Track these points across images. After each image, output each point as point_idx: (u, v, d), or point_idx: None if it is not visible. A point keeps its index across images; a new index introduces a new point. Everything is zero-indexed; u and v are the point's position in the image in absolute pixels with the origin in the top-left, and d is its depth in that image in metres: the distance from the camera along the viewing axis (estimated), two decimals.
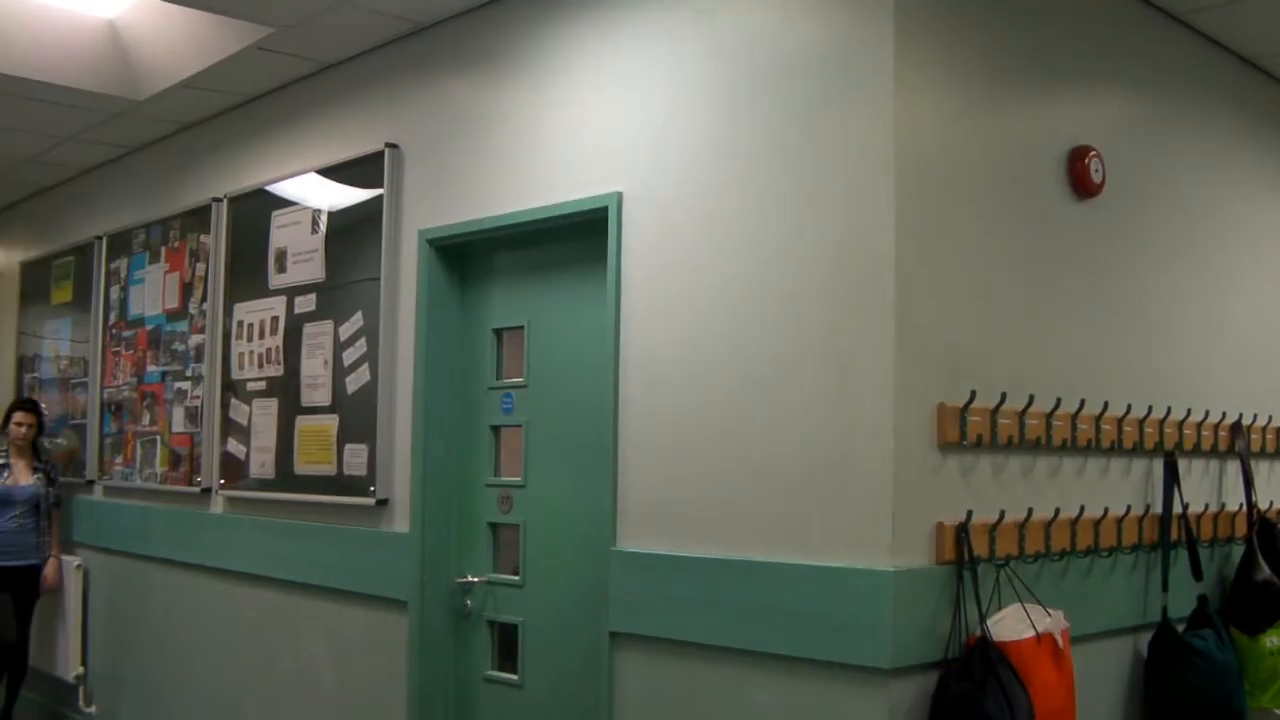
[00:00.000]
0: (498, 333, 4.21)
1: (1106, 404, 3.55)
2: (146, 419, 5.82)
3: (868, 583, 2.90)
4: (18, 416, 6.22)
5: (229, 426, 5.17)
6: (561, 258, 3.97)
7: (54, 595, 6.18)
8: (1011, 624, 3.06)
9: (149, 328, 5.85)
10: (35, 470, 6.16)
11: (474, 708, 4.17)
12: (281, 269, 4.93)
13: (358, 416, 4.48)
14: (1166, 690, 3.64)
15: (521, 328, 4.10)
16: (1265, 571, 3.92)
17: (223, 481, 5.20)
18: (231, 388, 5.18)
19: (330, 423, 4.61)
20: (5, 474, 6.10)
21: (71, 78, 5.10)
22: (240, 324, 5.16)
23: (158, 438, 5.70)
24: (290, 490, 4.79)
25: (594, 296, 3.74)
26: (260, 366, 5.00)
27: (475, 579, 4.17)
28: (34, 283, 7.09)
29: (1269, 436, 4.35)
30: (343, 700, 4.54)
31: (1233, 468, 4.18)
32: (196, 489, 5.33)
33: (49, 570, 6.12)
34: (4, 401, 7.31)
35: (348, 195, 4.61)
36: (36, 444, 6.26)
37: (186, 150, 5.74)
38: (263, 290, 5.02)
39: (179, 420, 5.55)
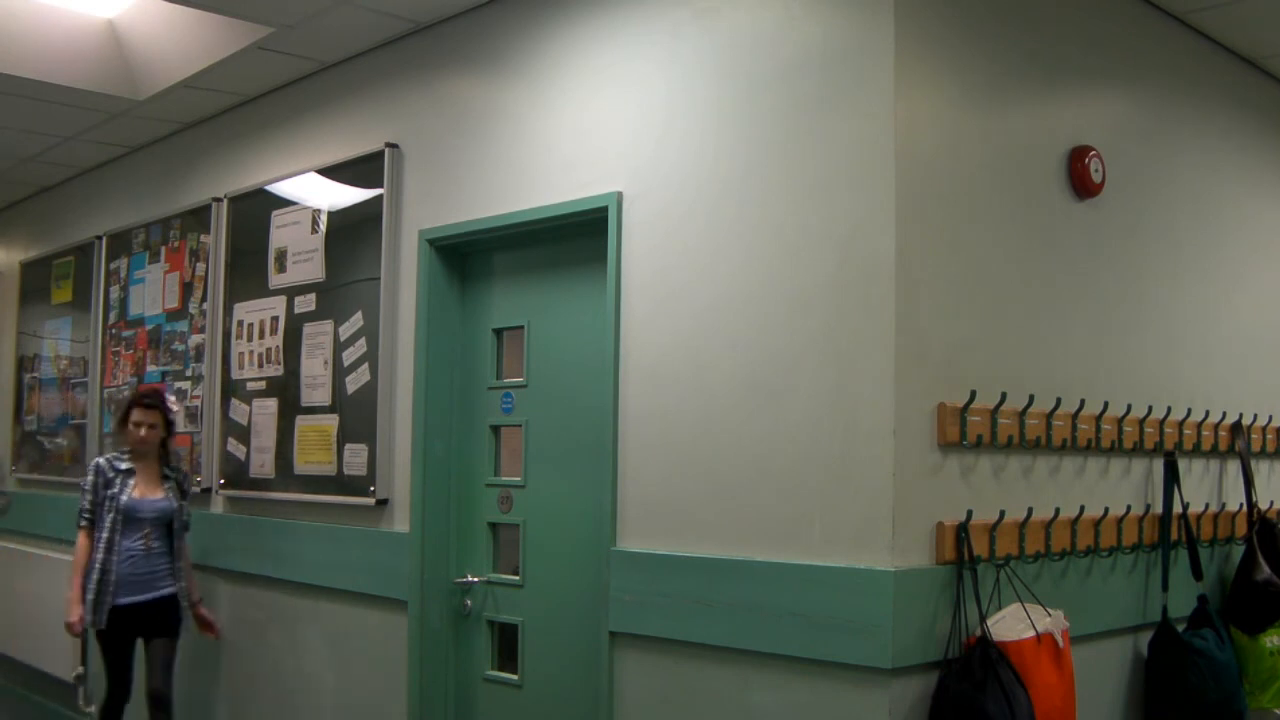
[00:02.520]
0: (498, 333, 4.21)
1: (1106, 404, 3.55)
2: None
3: (868, 583, 2.90)
4: (136, 415, 4.88)
5: (229, 426, 5.17)
6: (561, 258, 3.97)
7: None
8: (1011, 624, 3.06)
9: (149, 327, 5.85)
10: (165, 479, 4.93)
11: (474, 708, 4.17)
12: (281, 269, 4.93)
13: (358, 416, 4.48)
14: (1166, 690, 3.64)
15: (521, 328, 4.10)
16: (1265, 571, 3.92)
17: (223, 481, 5.20)
18: (231, 388, 5.18)
19: (330, 422, 4.61)
20: (129, 484, 4.83)
21: (71, 78, 5.10)
22: (240, 324, 5.16)
23: None
24: (290, 490, 4.79)
25: (594, 296, 3.74)
26: (260, 366, 5.01)
27: (475, 579, 4.17)
28: (34, 283, 7.10)
29: (1269, 436, 4.35)
30: (343, 700, 4.54)
31: (1233, 468, 4.18)
32: (196, 489, 5.32)
33: (206, 612, 5.00)
34: (4, 406, 7.32)
35: (348, 195, 4.61)
36: (165, 444, 5.00)
37: (186, 150, 5.74)
38: (263, 290, 5.02)
39: (179, 420, 5.55)
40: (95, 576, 4.71)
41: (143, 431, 4.85)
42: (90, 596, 4.70)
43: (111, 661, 4.82)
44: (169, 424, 4.97)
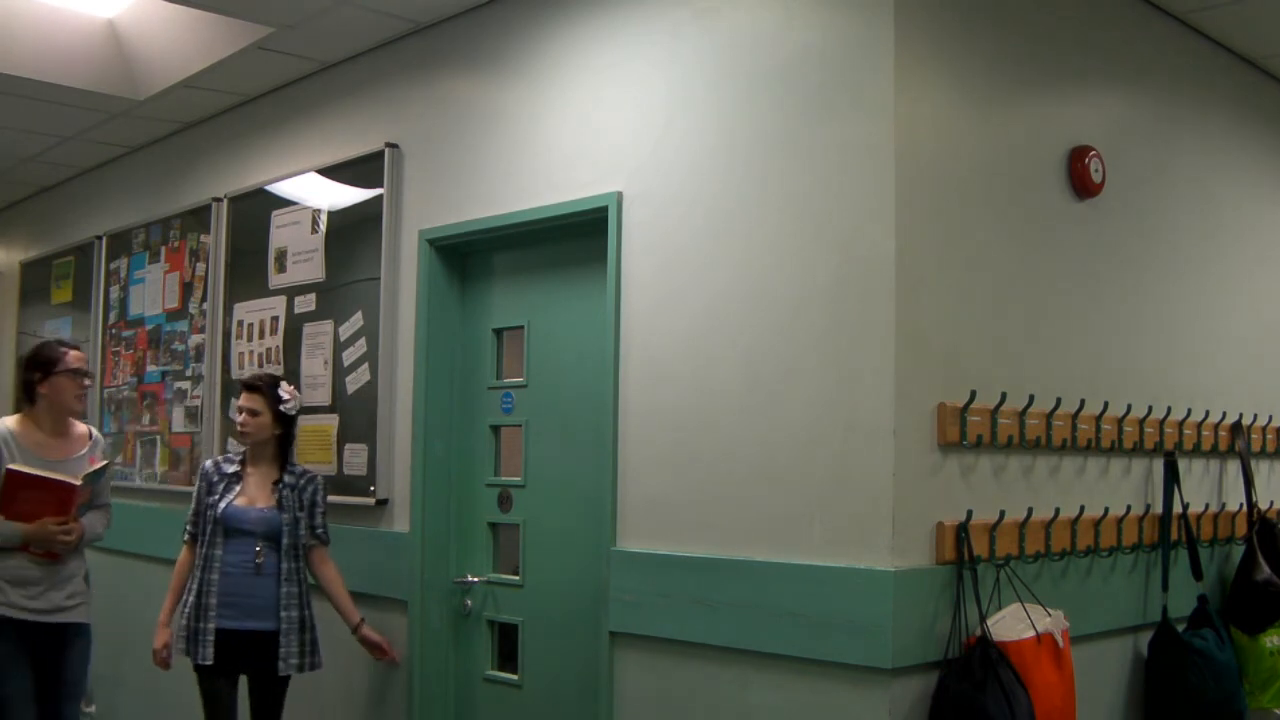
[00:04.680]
0: (498, 333, 4.21)
1: (1106, 404, 3.55)
2: (146, 419, 5.82)
3: (868, 583, 2.90)
4: (239, 401, 4.16)
5: (229, 426, 5.17)
6: (561, 258, 3.98)
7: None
8: (1011, 624, 3.06)
9: (149, 327, 5.86)
10: (281, 486, 4.06)
11: (474, 708, 4.17)
12: (281, 269, 4.93)
13: (358, 416, 4.48)
14: (1166, 690, 3.64)
15: (521, 328, 4.10)
16: (1265, 571, 3.92)
17: None
18: (231, 388, 5.18)
19: (330, 423, 4.61)
20: (234, 490, 4.04)
21: (71, 78, 5.10)
22: (240, 324, 5.16)
23: (158, 438, 5.70)
24: None
25: (594, 296, 3.74)
26: (260, 366, 5.00)
27: (475, 579, 4.17)
28: (34, 283, 7.10)
29: (1269, 436, 4.35)
30: (343, 700, 4.53)
31: (1233, 468, 4.18)
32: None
33: (371, 634, 4.10)
34: (4, 406, 7.30)
35: (348, 195, 4.61)
36: (284, 443, 4.13)
37: (186, 150, 5.74)
38: (263, 290, 5.02)
39: (179, 420, 5.55)
40: (190, 599, 3.97)
41: (240, 418, 4.08)
42: (184, 622, 3.97)
43: (206, 700, 3.98)
44: (280, 415, 4.08)
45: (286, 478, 4.08)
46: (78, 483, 4.10)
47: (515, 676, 4.04)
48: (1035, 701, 2.95)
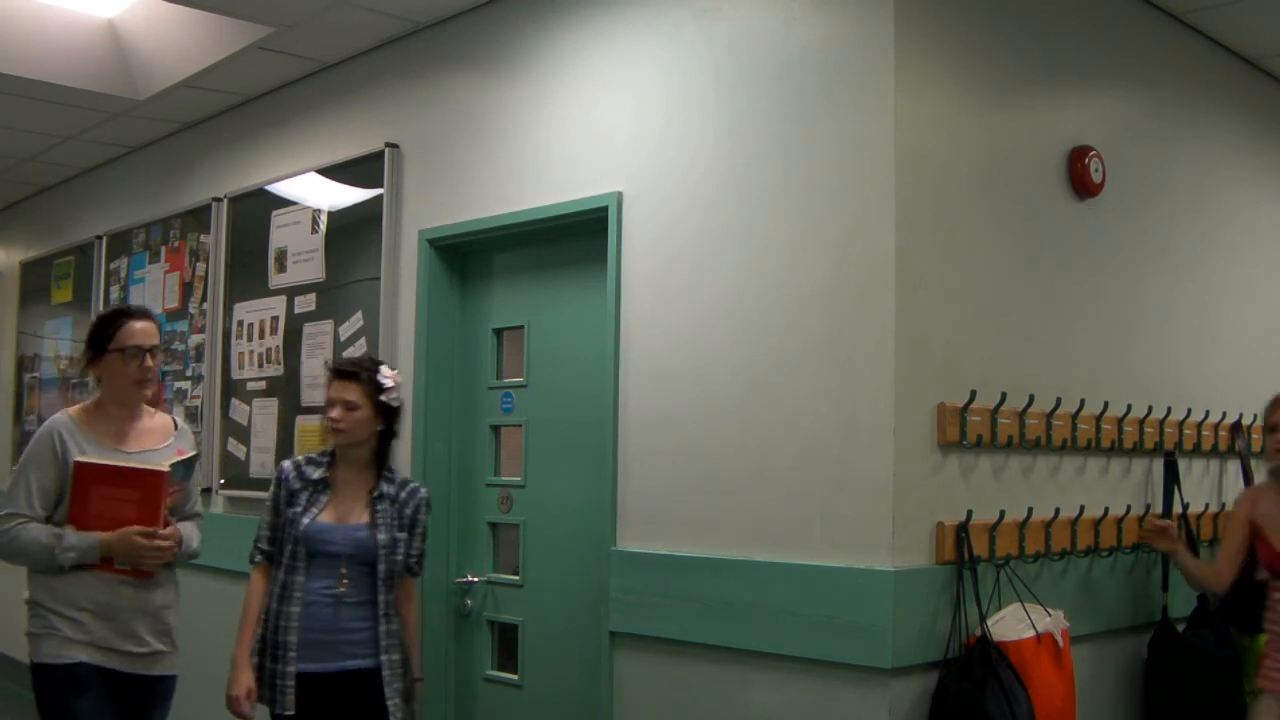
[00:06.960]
0: (498, 333, 4.21)
1: (1106, 404, 3.55)
2: None
3: (868, 583, 2.90)
4: (329, 391, 3.26)
5: (229, 426, 5.17)
6: (561, 258, 3.98)
7: None
8: (1011, 624, 3.06)
9: None
10: (380, 499, 3.24)
11: (474, 708, 4.17)
12: (281, 269, 4.93)
13: None
14: (1166, 690, 3.64)
15: (521, 328, 4.10)
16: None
17: (222, 481, 5.20)
18: (231, 388, 5.18)
19: None
20: (320, 501, 3.23)
21: (71, 78, 5.10)
22: (240, 324, 5.16)
23: None
24: None
25: (594, 296, 3.74)
26: (260, 366, 5.01)
27: (475, 579, 4.17)
28: (34, 283, 7.10)
29: None
30: None
31: (1233, 468, 4.18)
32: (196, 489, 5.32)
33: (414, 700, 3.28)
34: (4, 406, 7.30)
35: (348, 195, 4.61)
36: (382, 444, 3.29)
37: (186, 150, 5.74)
38: (263, 290, 5.02)
39: (179, 420, 5.54)
40: (264, 634, 3.23)
41: (334, 414, 3.21)
42: (255, 660, 3.23)
43: None
44: (382, 407, 3.23)
45: (385, 487, 3.26)
46: (165, 469, 3.17)
47: (515, 676, 4.04)
48: (1035, 701, 2.95)
